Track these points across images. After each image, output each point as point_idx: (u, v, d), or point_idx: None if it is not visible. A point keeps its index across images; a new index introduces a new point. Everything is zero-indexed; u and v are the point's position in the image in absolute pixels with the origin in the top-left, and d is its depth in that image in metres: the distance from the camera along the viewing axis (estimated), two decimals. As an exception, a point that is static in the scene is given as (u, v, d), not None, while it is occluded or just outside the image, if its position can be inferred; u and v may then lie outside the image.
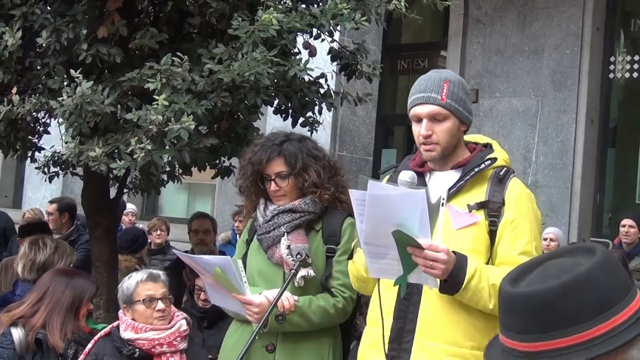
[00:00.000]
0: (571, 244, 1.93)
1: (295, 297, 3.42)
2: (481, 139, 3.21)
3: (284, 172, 3.57)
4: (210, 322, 5.20)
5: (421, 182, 3.05)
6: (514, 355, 1.60)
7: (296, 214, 3.55)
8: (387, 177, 3.22)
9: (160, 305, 4.06)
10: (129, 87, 4.80)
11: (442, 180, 3.05)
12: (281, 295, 3.23)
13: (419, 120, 3.01)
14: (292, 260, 3.41)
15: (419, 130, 3.01)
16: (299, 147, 3.61)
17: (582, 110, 9.24)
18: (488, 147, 3.14)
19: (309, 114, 5.46)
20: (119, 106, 4.76)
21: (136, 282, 4.11)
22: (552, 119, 9.36)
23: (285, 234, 3.51)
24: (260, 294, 3.39)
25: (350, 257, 3.20)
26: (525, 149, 9.48)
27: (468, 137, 3.17)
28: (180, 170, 5.68)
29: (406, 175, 2.89)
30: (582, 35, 9.31)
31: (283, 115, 5.38)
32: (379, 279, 3.03)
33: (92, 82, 4.60)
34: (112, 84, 4.83)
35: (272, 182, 3.58)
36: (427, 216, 2.66)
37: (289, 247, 3.47)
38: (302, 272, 3.42)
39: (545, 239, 7.98)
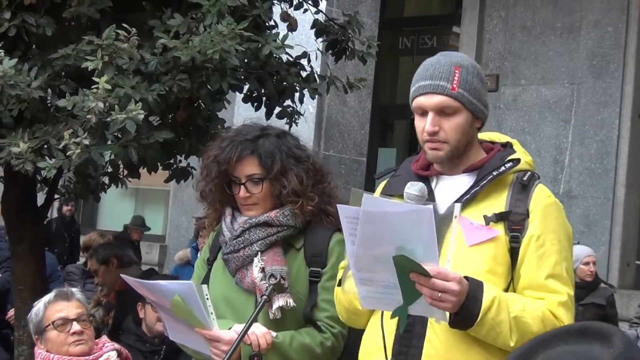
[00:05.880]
0: (579, 324, 1.82)
1: (273, 333, 3.42)
2: (498, 137, 3.25)
3: (258, 176, 3.57)
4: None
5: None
6: None
7: (272, 228, 3.55)
8: (384, 183, 3.24)
9: (75, 327, 4.08)
10: (62, 67, 4.79)
11: (451, 187, 3.09)
12: (250, 325, 3.24)
13: (424, 113, 3.05)
14: (267, 284, 3.41)
15: (423, 126, 3.04)
16: (277, 144, 3.61)
17: (628, 102, 9.30)
18: (508, 146, 3.19)
19: (287, 102, 5.47)
20: (49, 90, 4.76)
21: (44, 304, 4.16)
22: (591, 113, 9.42)
23: (259, 253, 3.52)
24: (230, 328, 3.38)
25: (339, 283, 3.21)
26: (557, 149, 9.54)
27: (482, 136, 3.21)
28: (126, 172, 5.68)
29: (414, 188, 2.89)
30: (628, 8, 9.37)
31: (255, 104, 5.38)
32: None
33: (17, 59, 4.59)
34: (42, 62, 4.82)
35: (242, 187, 3.58)
36: (435, 237, 2.69)
37: (263, 269, 3.48)
38: (280, 301, 3.43)
39: (587, 263, 7.98)
